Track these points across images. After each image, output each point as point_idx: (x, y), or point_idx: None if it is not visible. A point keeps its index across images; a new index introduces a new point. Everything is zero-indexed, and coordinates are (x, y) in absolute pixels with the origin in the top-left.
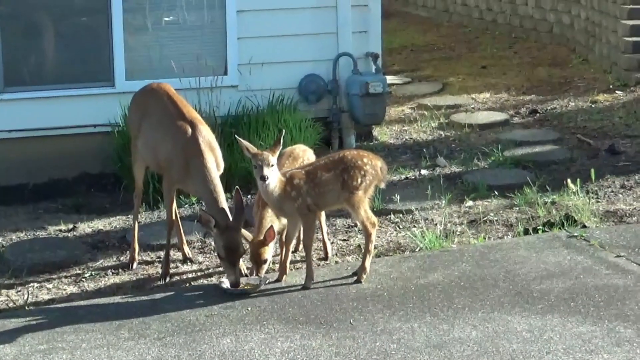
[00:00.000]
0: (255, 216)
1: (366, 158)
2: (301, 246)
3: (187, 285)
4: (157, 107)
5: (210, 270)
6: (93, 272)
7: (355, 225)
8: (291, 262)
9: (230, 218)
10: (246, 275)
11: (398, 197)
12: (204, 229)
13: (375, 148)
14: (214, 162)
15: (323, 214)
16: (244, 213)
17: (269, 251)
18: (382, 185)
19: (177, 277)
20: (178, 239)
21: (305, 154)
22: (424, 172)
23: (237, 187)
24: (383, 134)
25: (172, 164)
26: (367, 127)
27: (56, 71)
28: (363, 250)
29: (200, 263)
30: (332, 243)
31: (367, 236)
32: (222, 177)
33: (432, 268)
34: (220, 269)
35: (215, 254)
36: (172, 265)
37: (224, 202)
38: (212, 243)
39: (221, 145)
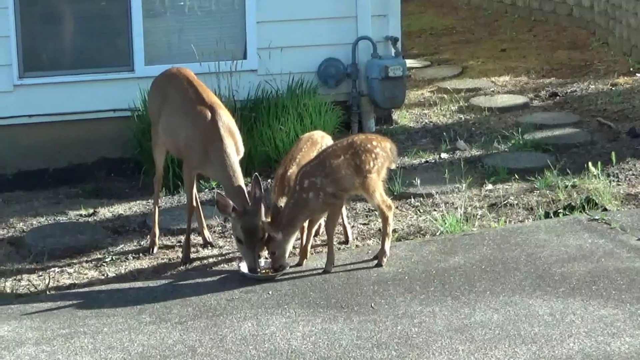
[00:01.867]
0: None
1: (375, 141)
2: (322, 230)
3: (208, 269)
4: (177, 91)
5: (230, 255)
6: (114, 257)
7: (374, 210)
8: (312, 247)
9: (249, 203)
10: (266, 259)
11: (418, 181)
12: (222, 213)
13: (395, 132)
14: (234, 146)
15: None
16: (263, 198)
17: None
18: (393, 166)
19: (198, 262)
20: (198, 223)
21: (323, 140)
22: (444, 155)
23: (255, 174)
24: (403, 117)
25: (192, 149)
26: (387, 111)
27: (75, 56)
28: (382, 234)
29: (220, 247)
30: (352, 227)
31: (384, 219)
32: (241, 161)
33: (453, 252)
34: (239, 253)
35: (234, 240)
36: (192, 249)
37: (242, 187)
38: (231, 227)
39: (240, 130)
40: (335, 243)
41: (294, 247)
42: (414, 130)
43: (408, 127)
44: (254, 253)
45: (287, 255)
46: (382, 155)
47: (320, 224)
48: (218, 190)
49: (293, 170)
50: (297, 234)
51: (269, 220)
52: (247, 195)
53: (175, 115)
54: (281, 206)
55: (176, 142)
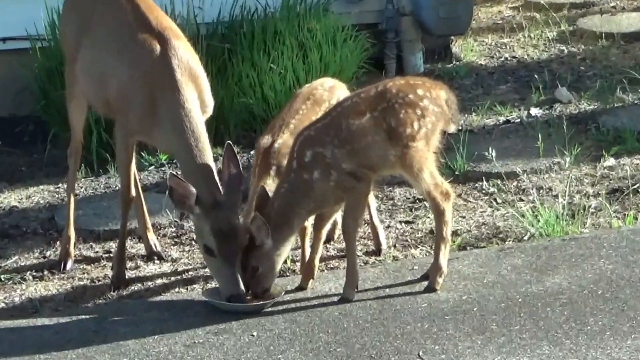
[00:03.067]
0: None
1: (422, 88)
2: (338, 233)
3: (155, 296)
4: (107, 11)
5: (191, 273)
6: (2, 277)
7: (423, 200)
8: (323, 259)
9: (221, 190)
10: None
11: (494, 153)
12: (178, 206)
13: (456, 73)
14: (196, 99)
15: None
16: (241, 181)
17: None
18: (452, 129)
19: (139, 285)
20: (139, 222)
21: (333, 94)
22: (535, 111)
23: (228, 142)
24: (468, 50)
25: (130, 103)
26: (443, 40)
27: None
28: (435, 239)
29: (174, 261)
30: (387, 228)
31: (439, 215)
32: (208, 123)
33: (550, 267)
34: (207, 270)
35: (198, 247)
36: (129, 264)
37: (210, 165)
38: (193, 229)
39: (208, 72)
40: (359, 253)
41: (293, 261)
42: (486, 71)
43: (477, 66)
44: (232, 270)
45: (277, 271)
46: (433, 111)
47: (334, 224)
48: (172, 171)
49: (285, 139)
50: (294, 239)
51: (253, 216)
52: (217, 177)
53: (103, 48)
54: (268, 194)
55: (104, 91)
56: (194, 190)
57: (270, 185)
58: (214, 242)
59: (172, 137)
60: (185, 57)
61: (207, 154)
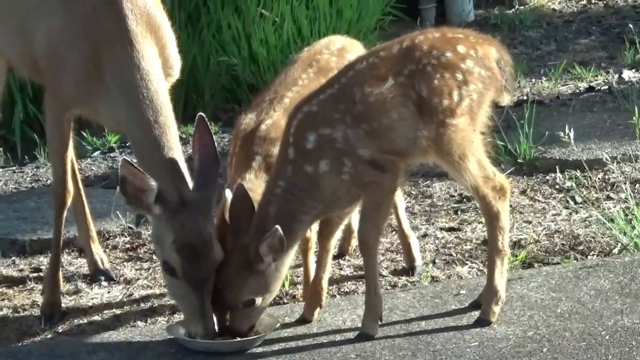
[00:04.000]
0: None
1: (463, 44)
2: (354, 245)
3: (101, 331)
4: None
5: (152, 300)
6: None
7: (469, 199)
8: (333, 281)
9: (190, 183)
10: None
11: (571, 133)
12: (132, 205)
13: (520, 21)
14: (155, 56)
15: None
16: (217, 168)
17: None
18: (506, 100)
19: (80, 316)
20: (79, 229)
21: (343, 59)
22: (629, 74)
23: (200, 114)
24: None
25: (64, 63)
26: None
27: None
28: (488, 252)
29: (128, 283)
30: (422, 237)
31: (491, 219)
32: (176, 89)
33: None
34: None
35: (159, 263)
36: (67, 287)
37: (175, 147)
38: (151, 237)
39: (174, 19)
40: (383, 272)
41: (295, 284)
42: (561, 20)
43: (548, 12)
44: (200, 297)
45: (270, 299)
46: (480, 75)
47: (349, 232)
48: (125, 157)
49: (275, 120)
50: (294, 254)
51: (272, 230)
52: (184, 165)
53: None
54: (248, 195)
55: (28, 46)
56: (153, 183)
57: (252, 181)
58: (176, 258)
59: (122, 110)
60: (141, 1)
61: (171, 133)
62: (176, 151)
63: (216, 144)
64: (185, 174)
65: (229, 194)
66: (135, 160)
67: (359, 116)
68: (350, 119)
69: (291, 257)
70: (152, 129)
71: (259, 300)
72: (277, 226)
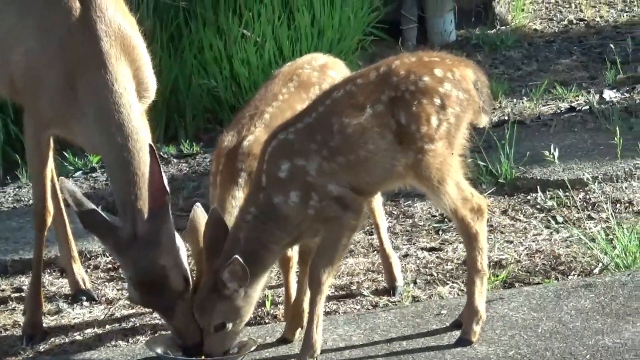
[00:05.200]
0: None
1: (440, 67)
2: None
3: (83, 351)
4: None
5: (133, 319)
6: None
7: (450, 219)
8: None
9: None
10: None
11: (555, 153)
12: (89, 230)
13: (501, 41)
14: (129, 78)
15: (377, 199)
16: (165, 198)
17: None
18: (484, 122)
19: (61, 336)
20: (60, 249)
21: (325, 75)
22: (609, 94)
23: (149, 144)
24: (518, 9)
25: (40, 83)
26: None
27: None
28: (467, 272)
29: (109, 303)
30: (403, 257)
31: (469, 240)
32: (158, 110)
33: (630, 311)
34: (155, 314)
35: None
36: (48, 307)
37: (143, 171)
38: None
39: (155, 40)
40: (365, 292)
41: (275, 304)
42: (542, 39)
43: (530, 32)
44: (171, 322)
45: (243, 323)
46: (457, 98)
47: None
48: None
49: (257, 136)
50: (267, 278)
51: (231, 259)
52: (166, 183)
53: (1, 3)
54: (223, 219)
55: (5, 66)
56: (99, 212)
57: (241, 199)
58: (136, 295)
59: (95, 132)
60: (116, 20)
61: (140, 157)
62: (145, 176)
63: (198, 164)
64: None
65: (198, 209)
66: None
67: (336, 149)
68: (326, 151)
69: (263, 282)
70: (122, 153)
71: (229, 325)
72: (236, 255)
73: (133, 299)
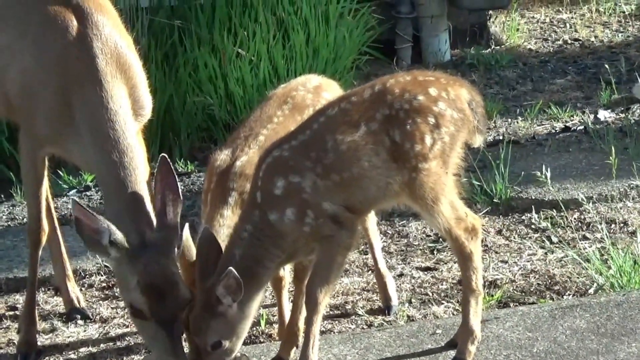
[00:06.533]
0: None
1: (435, 87)
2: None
3: None
4: None
5: (128, 338)
6: None
7: (445, 239)
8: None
9: (153, 223)
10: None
11: (548, 173)
12: (90, 247)
13: (496, 61)
14: (124, 96)
15: (371, 219)
16: (179, 209)
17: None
18: (479, 142)
19: (56, 355)
20: (55, 267)
21: (319, 97)
22: (604, 115)
23: (163, 155)
24: (513, 29)
25: (36, 101)
26: (478, 16)
27: None
28: (462, 292)
29: (104, 321)
30: (398, 277)
31: (464, 260)
32: (152, 129)
33: (625, 332)
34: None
35: (126, 307)
36: (43, 325)
37: (141, 188)
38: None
39: (150, 58)
40: (360, 312)
41: (270, 323)
42: (537, 59)
43: (524, 52)
44: (171, 337)
45: (240, 342)
46: (452, 118)
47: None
48: (75, 198)
49: (251, 157)
50: (262, 296)
51: (225, 272)
52: (151, 208)
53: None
54: (214, 237)
55: (1, 84)
56: (105, 225)
57: (230, 217)
58: (142, 299)
59: (90, 150)
60: (112, 39)
61: (136, 174)
62: (142, 192)
63: (193, 182)
64: (150, 214)
65: (186, 231)
66: (104, 203)
67: (330, 166)
68: (321, 169)
69: (258, 300)
70: (118, 170)
71: (226, 343)
72: (231, 267)
73: (135, 306)
